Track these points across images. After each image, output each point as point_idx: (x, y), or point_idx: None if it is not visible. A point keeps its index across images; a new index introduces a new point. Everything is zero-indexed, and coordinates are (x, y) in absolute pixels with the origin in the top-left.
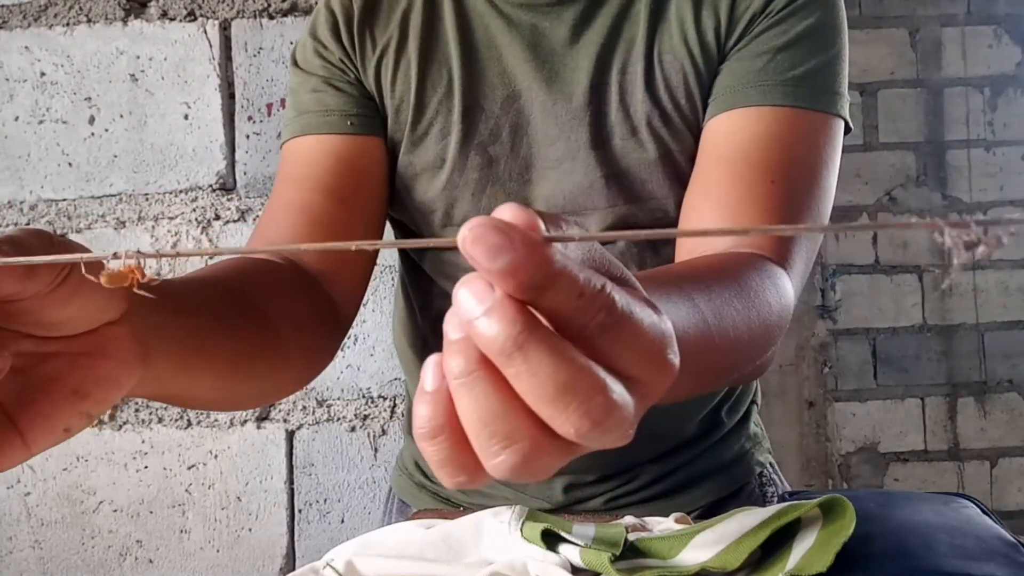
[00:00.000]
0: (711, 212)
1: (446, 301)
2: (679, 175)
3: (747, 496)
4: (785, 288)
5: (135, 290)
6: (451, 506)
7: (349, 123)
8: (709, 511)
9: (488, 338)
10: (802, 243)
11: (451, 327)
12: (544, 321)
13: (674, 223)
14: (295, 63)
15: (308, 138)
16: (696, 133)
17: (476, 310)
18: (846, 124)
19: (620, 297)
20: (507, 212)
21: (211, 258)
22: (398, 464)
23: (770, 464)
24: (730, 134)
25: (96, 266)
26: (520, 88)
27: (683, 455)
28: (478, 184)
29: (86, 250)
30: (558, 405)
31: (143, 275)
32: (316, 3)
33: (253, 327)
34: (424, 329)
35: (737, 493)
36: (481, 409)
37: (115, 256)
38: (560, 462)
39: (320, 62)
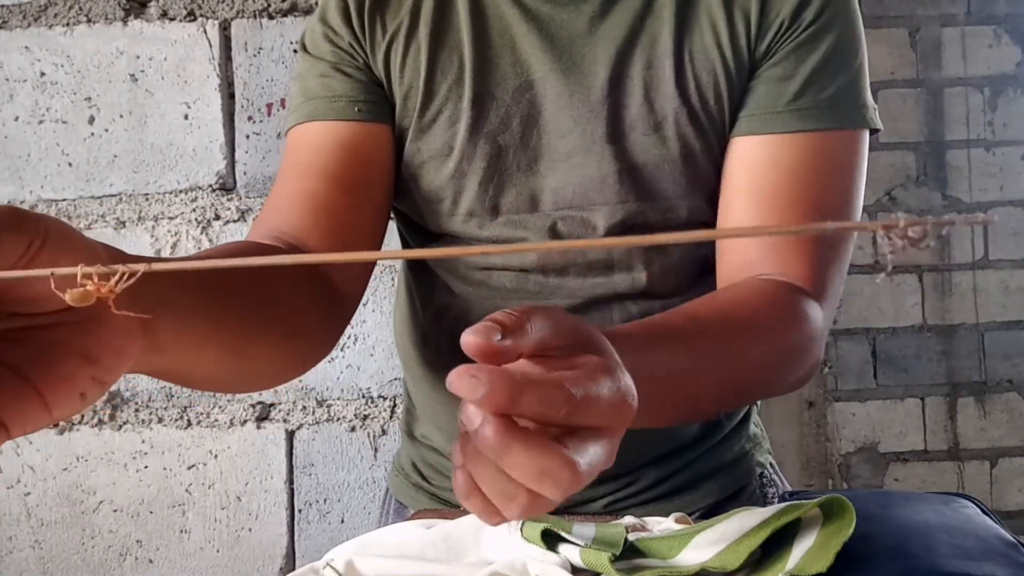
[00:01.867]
0: (750, 246)
1: (447, 295)
2: (697, 176)
3: (748, 497)
4: (809, 317)
5: (113, 309)
6: (450, 507)
7: (356, 109)
8: (710, 512)
9: (484, 443)
10: (834, 268)
11: (465, 419)
12: (525, 421)
13: (684, 225)
14: (304, 48)
15: (314, 124)
16: (721, 134)
17: (474, 423)
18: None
19: (576, 389)
20: (469, 337)
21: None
22: (395, 465)
23: (770, 464)
24: (768, 162)
25: (69, 280)
26: (534, 78)
27: (684, 457)
28: (485, 173)
29: (57, 223)
30: (538, 485)
31: (111, 292)
32: (316, 2)
33: (256, 304)
34: (425, 324)
35: (738, 494)
36: (486, 479)
37: (85, 274)
38: (557, 502)
39: (329, 47)
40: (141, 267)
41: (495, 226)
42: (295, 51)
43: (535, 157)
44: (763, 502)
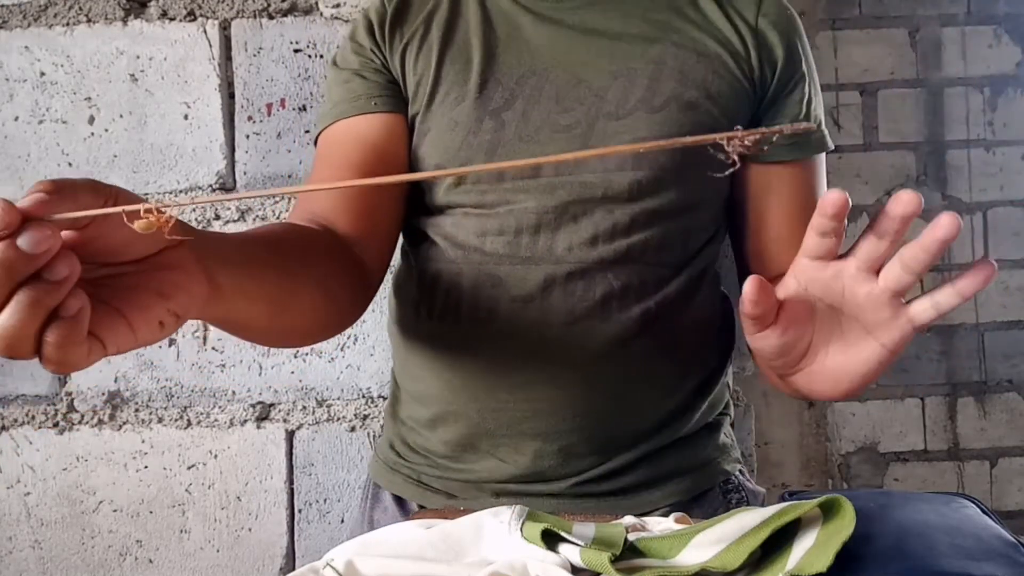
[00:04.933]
0: (788, 256)
1: (443, 263)
2: (689, 155)
3: (710, 502)
4: None
5: (167, 236)
6: (422, 486)
7: (373, 103)
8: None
9: None
10: None
11: None
12: None
13: (679, 197)
14: (334, 63)
15: (339, 123)
16: (714, 121)
17: None
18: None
19: None
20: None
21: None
22: (376, 450)
23: (739, 471)
24: (802, 185)
25: (135, 215)
26: (539, 68)
27: (649, 444)
28: (490, 145)
29: (126, 191)
30: None
31: (167, 221)
32: (316, 3)
33: (297, 266)
34: (420, 295)
35: (700, 498)
36: None
37: (147, 209)
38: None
39: (355, 57)
40: (186, 201)
41: (498, 191)
42: (296, 51)
43: (537, 128)
44: (726, 507)
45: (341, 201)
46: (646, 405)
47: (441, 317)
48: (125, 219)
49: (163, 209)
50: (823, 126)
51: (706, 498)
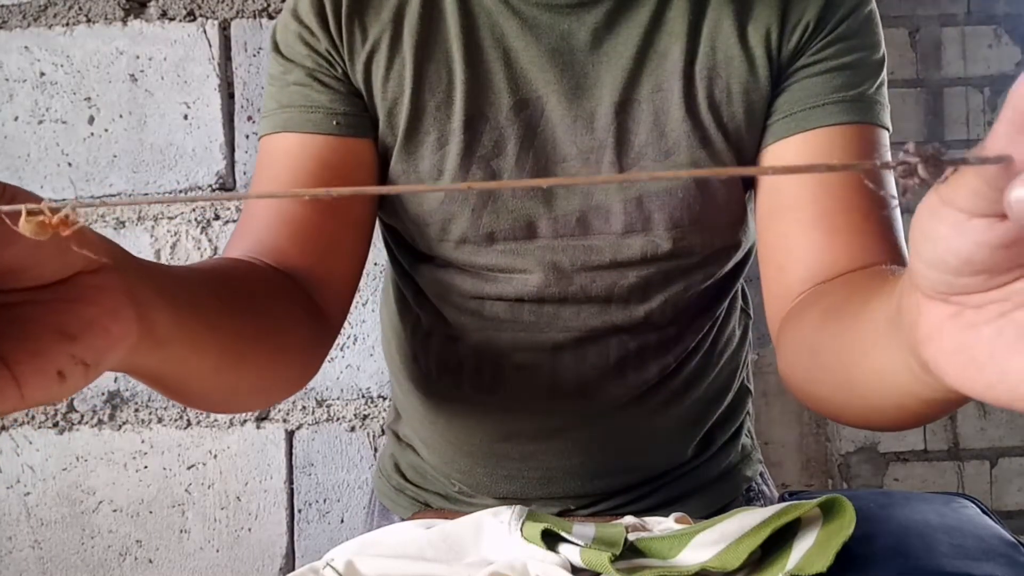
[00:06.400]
0: (810, 254)
1: (436, 321)
2: (712, 202)
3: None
4: None
5: (62, 232)
6: (429, 509)
7: (335, 123)
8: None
9: None
10: (903, 236)
11: None
12: None
13: (699, 255)
14: (276, 48)
15: (290, 136)
16: (738, 153)
17: None
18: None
19: None
20: None
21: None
22: (379, 465)
23: (760, 475)
24: (820, 156)
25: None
26: (531, 96)
27: (669, 477)
28: (479, 200)
29: (26, 191)
30: None
31: (63, 220)
32: None
33: (251, 312)
34: (414, 344)
35: (721, 511)
36: None
37: (33, 210)
38: None
39: (305, 51)
40: (96, 203)
41: (491, 253)
42: None
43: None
44: None
45: (289, 243)
46: (664, 451)
47: (440, 377)
48: (7, 220)
49: (71, 211)
50: (874, 98)
51: (729, 509)
